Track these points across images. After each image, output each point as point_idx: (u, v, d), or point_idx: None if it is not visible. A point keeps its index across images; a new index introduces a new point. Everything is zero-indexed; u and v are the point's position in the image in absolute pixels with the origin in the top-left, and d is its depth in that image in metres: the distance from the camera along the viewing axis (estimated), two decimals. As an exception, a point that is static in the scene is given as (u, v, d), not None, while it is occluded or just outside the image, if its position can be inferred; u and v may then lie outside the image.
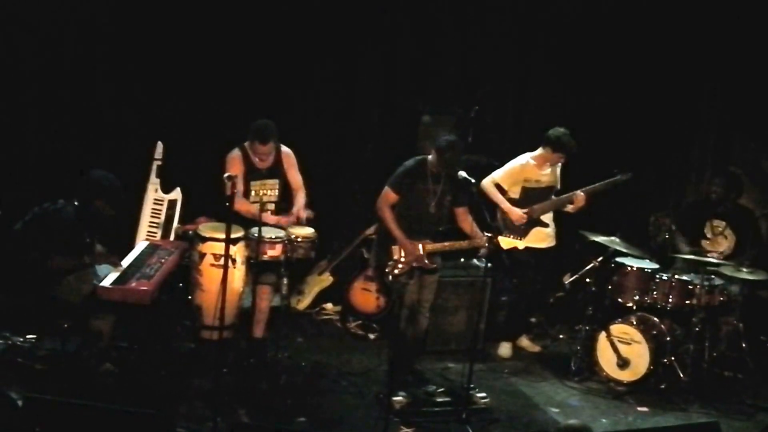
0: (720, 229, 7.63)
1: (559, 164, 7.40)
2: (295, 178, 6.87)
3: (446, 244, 6.56)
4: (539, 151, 7.32)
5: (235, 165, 6.62)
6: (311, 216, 6.80)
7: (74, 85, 7.55)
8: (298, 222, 6.75)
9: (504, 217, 7.32)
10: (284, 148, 6.83)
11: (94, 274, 6.19)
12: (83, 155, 7.24)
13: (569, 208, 7.36)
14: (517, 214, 7.25)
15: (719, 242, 7.60)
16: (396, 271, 6.40)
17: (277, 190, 6.83)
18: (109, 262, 6.32)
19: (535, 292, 7.73)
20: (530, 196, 7.33)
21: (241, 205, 6.56)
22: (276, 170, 6.81)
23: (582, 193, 7.28)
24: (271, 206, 6.83)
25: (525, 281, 7.55)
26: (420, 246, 6.45)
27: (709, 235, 7.68)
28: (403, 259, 6.42)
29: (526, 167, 7.33)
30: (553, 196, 7.40)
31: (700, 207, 8.04)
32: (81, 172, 6.34)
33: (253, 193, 6.74)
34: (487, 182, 7.32)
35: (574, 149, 7.23)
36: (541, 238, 7.40)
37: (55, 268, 6.07)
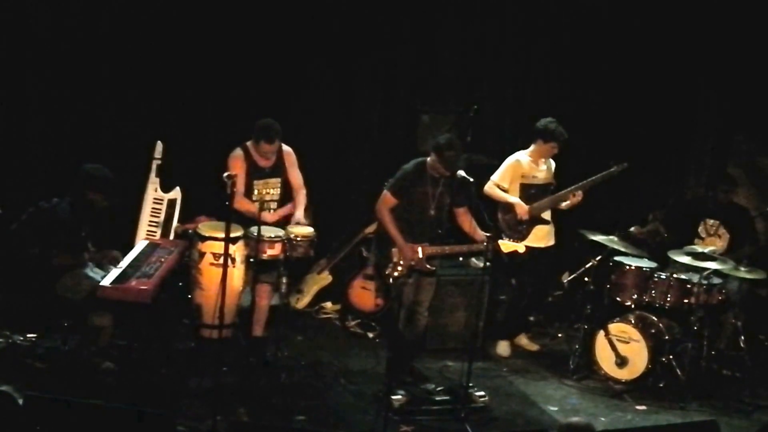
0: (714, 228, 7.65)
1: (554, 163, 7.43)
2: (296, 177, 6.88)
3: (446, 248, 6.56)
4: (532, 146, 7.35)
5: (237, 164, 6.64)
6: (310, 224, 6.80)
7: (74, 84, 7.55)
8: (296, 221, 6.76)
9: (505, 218, 7.32)
10: (285, 147, 6.84)
11: (85, 274, 6.21)
12: (83, 154, 7.24)
13: (564, 205, 7.37)
14: (523, 208, 7.26)
15: (713, 242, 7.61)
16: (396, 273, 6.41)
17: (279, 189, 6.85)
18: (108, 259, 6.33)
19: (535, 291, 7.73)
20: (529, 195, 7.34)
21: (242, 204, 6.57)
22: (278, 169, 6.82)
23: (580, 190, 7.28)
24: (274, 205, 6.85)
25: (524, 280, 7.56)
26: (419, 249, 6.46)
27: (703, 235, 7.69)
28: (402, 262, 6.43)
29: (522, 162, 7.35)
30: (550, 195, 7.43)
31: (695, 207, 8.05)
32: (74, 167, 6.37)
33: (255, 192, 6.75)
34: (489, 186, 7.33)
35: (564, 136, 7.25)
36: (540, 237, 7.40)
37: (58, 265, 6.09)
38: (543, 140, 7.28)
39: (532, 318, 8.13)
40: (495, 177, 7.36)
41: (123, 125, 7.69)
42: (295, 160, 6.88)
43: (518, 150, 7.48)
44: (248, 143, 6.74)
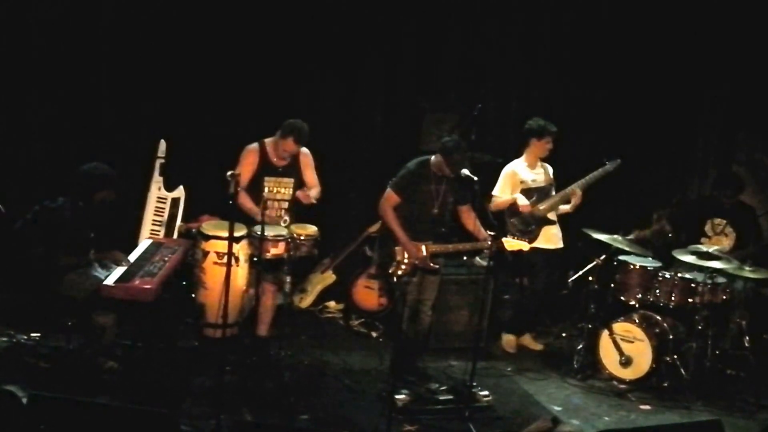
0: (721, 227, 7.64)
1: (551, 168, 7.43)
2: (311, 177, 6.86)
3: (450, 246, 6.55)
4: (527, 149, 7.36)
5: (249, 157, 6.63)
6: (317, 196, 6.76)
7: (76, 83, 7.56)
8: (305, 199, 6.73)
9: (512, 221, 7.30)
10: (303, 149, 6.80)
11: (89, 273, 6.21)
12: (86, 154, 7.25)
13: (568, 207, 7.36)
14: (523, 199, 7.25)
15: (720, 241, 7.60)
16: (399, 272, 6.41)
17: (291, 189, 6.82)
18: (112, 259, 6.32)
19: (544, 293, 7.70)
20: (531, 198, 7.33)
21: (244, 203, 6.54)
22: (292, 169, 6.80)
23: (578, 189, 7.28)
24: (285, 204, 6.81)
25: (534, 281, 7.54)
26: (423, 247, 6.45)
27: (710, 234, 7.68)
28: (406, 261, 6.42)
29: (517, 171, 7.37)
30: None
31: (702, 205, 8.04)
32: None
33: (266, 189, 6.72)
34: (492, 200, 7.29)
35: (555, 129, 7.30)
36: (549, 238, 7.40)
37: (62, 265, 6.09)
38: (537, 138, 7.31)
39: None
40: (495, 191, 7.37)
41: (126, 124, 7.70)
42: (312, 162, 6.86)
43: (520, 149, 7.47)
44: (267, 140, 6.71)
